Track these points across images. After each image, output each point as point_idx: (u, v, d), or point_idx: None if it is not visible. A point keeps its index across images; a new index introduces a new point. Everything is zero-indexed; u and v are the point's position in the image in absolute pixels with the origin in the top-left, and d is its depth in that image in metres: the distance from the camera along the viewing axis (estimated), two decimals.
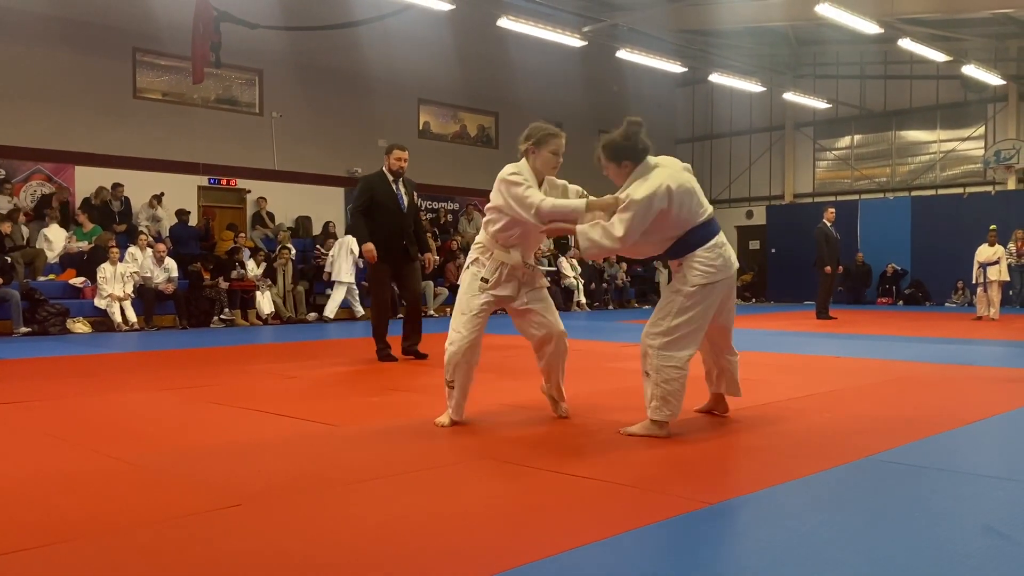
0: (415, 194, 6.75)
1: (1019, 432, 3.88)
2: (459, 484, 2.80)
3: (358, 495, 2.62)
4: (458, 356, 3.70)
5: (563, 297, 16.73)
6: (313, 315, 13.28)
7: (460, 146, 18.09)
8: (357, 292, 13.34)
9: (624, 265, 18.77)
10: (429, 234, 11.33)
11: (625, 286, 18.71)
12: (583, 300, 16.99)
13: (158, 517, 2.35)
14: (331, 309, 13.03)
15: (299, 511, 2.43)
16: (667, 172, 3.48)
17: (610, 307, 17.69)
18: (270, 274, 12.95)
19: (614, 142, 3.59)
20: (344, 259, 13.05)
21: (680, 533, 2.24)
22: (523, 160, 3.80)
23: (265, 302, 12.56)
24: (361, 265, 12.54)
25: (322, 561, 2.00)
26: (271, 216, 15.09)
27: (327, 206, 15.93)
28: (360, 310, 13.24)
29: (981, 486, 2.79)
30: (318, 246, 14.38)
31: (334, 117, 16.01)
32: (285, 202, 15.40)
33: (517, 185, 3.66)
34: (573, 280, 16.94)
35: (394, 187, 6.50)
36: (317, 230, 15.39)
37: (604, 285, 17.97)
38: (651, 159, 3.55)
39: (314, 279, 13.84)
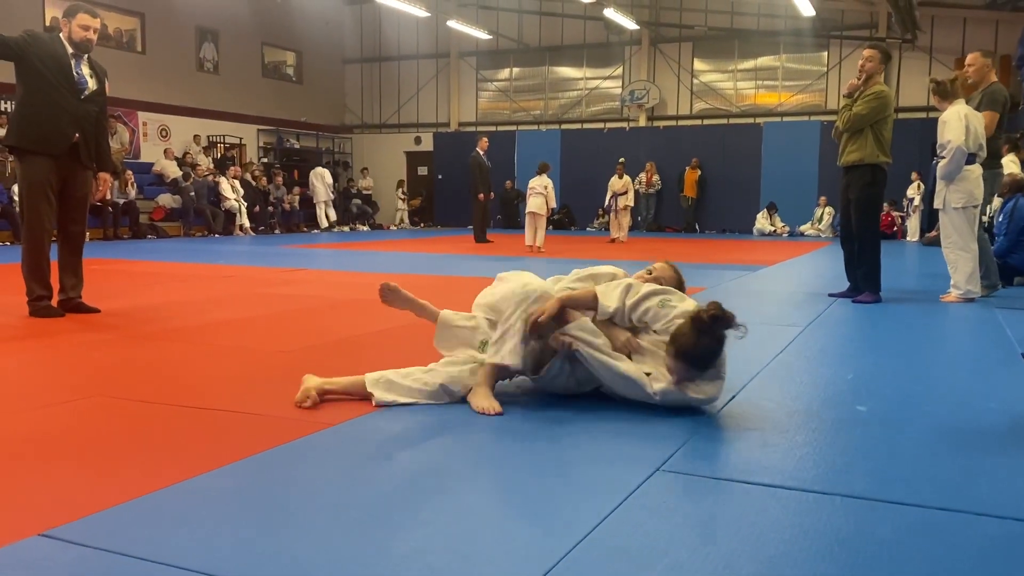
0: (105, 83, 4.95)
1: None
2: (72, 422, 2.53)
3: None
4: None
5: (224, 220, 15.87)
6: None
7: (100, 49, 16.04)
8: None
9: (296, 189, 18.21)
10: None
11: (294, 209, 18.19)
12: (246, 223, 16.26)
13: None
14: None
15: None
16: None
17: (276, 231, 17.13)
18: None
19: None
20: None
21: (302, 452, 2.24)
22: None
23: None
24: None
25: None
26: None
27: None
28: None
29: None
30: None
31: None
32: None
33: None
34: (235, 202, 16.09)
35: (73, 63, 4.73)
36: None
37: (270, 208, 17.31)
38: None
39: None
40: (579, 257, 10.28)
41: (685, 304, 2.71)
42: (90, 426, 2.53)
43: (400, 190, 21.46)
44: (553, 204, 11.81)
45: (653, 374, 2.65)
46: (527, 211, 11.83)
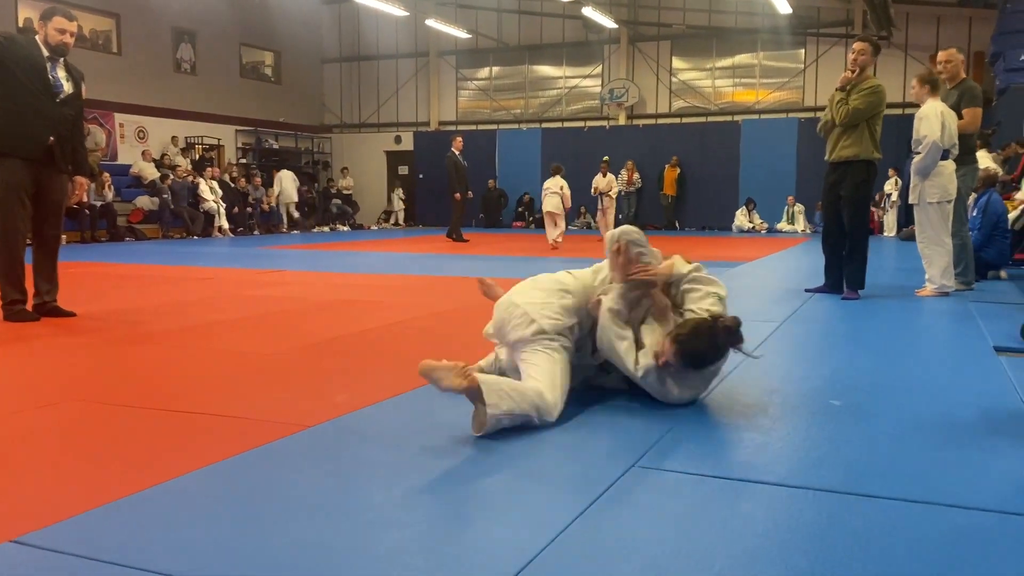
0: (82, 87, 4.93)
1: None
2: (48, 427, 2.51)
3: None
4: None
5: (204, 222, 15.75)
6: None
7: (75, 50, 15.87)
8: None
9: (275, 190, 18.10)
10: None
11: (273, 210, 18.07)
12: (225, 225, 16.15)
13: None
14: None
15: None
16: None
17: (255, 232, 17.03)
18: None
19: None
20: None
21: (278, 455, 2.24)
22: None
23: None
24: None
25: None
26: None
27: None
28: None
29: None
30: None
31: None
32: None
33: None
34: (214, 204, 15.98)
35: (49, 66, 4.67)
36: None
37: (249, 209, 17.21)
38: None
39: None
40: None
41: (720, 309, 2.78)
42: (66, 430, 2.52)
43: (398, 191, 21.44)
44: (568, 204, 12.48)
45: (645, 348, 2.69)
46: (544, 211, 12.45)
